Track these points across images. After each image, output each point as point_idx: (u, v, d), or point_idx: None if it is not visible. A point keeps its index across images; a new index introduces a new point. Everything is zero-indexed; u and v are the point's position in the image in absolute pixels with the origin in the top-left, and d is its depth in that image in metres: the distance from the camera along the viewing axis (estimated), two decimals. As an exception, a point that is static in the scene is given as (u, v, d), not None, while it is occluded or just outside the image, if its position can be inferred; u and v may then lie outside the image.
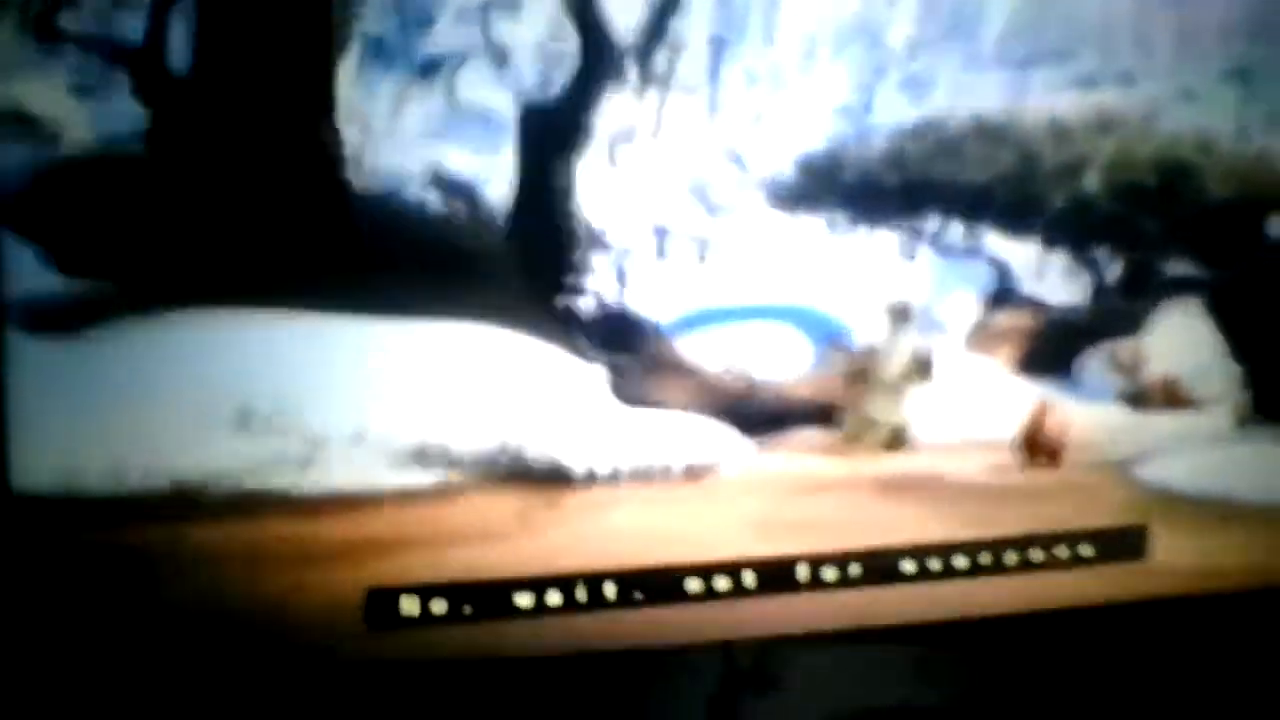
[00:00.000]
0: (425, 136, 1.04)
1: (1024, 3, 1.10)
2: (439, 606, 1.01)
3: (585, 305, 1.11)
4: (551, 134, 1.06)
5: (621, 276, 1.11)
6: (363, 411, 1.00)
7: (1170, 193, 1.19)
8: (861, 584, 1.10)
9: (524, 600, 1.03)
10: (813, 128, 1.09)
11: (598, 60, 1.06)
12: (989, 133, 1.15)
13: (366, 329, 1.02)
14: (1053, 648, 1.20)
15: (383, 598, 0.99)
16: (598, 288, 1.11)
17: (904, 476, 1.15)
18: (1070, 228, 1.19)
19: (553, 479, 1.05)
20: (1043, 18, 1.11)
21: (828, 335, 1.17)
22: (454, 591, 1.01)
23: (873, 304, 1.17)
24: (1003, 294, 1.20)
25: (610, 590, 1.04)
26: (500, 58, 1.04)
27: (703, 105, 1.06)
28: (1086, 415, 1.21)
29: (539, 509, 1.04)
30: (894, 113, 1.11)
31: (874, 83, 1.09)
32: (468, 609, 1.01)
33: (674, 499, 1.09)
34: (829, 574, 1.10)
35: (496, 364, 1.07)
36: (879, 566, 1.11)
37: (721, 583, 1.07)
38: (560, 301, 1.09)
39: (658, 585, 1.06)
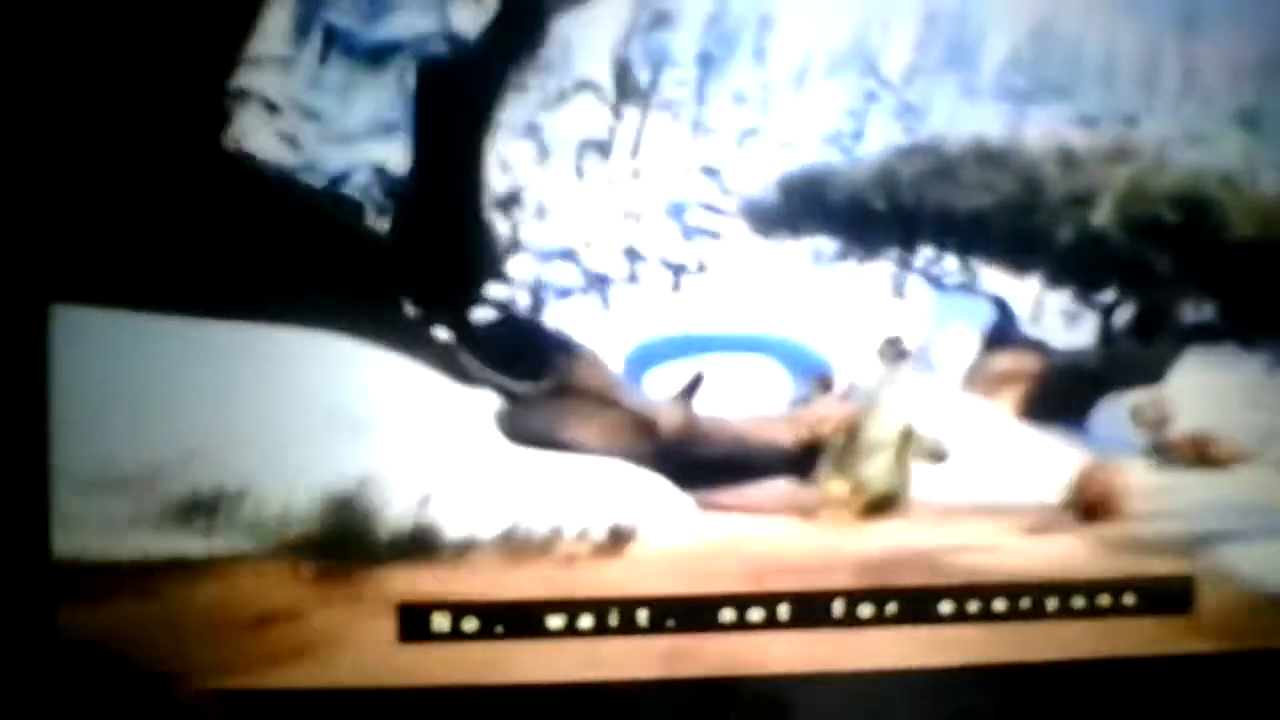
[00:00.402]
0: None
1: (1026, 35, 1.07)
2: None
3: (483, 317, 1.00)
4: (454, 108, 0.98)
5: (539, 288, 1.01)
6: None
7: (1190, 230, 1.12)
8: (898, 623, 1.01)
9: None
10: (800, 150, 1.04)
11: (512, 23, 0.99)
12: (989, 156, 1.09)
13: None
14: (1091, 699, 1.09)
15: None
16: (505, 297, 1.00)
17: (892, 558, 1.03)
18: (1077, 264, 1.13)
19: (398, 550, 0.90)
20: (1045, 51, 1.08)
21: (807, 370, 1.08)
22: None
23: (860, 339, 1.08)
24: (1002, 334, 1.13)
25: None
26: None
27: (685, 124, 1.02)
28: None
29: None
30: (887, 136, 1.07)
31: (866, 108, 1.05)
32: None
33: (566, 581, 0.94)
34: (865, 611, 1.01)
35: (341, 384, 0.92)
36: (917, 606, 1.02)
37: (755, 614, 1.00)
38: (447, 312, 0.98)
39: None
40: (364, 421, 0.91)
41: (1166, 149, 1.12)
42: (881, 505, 1.06)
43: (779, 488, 1.05)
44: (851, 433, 1.09)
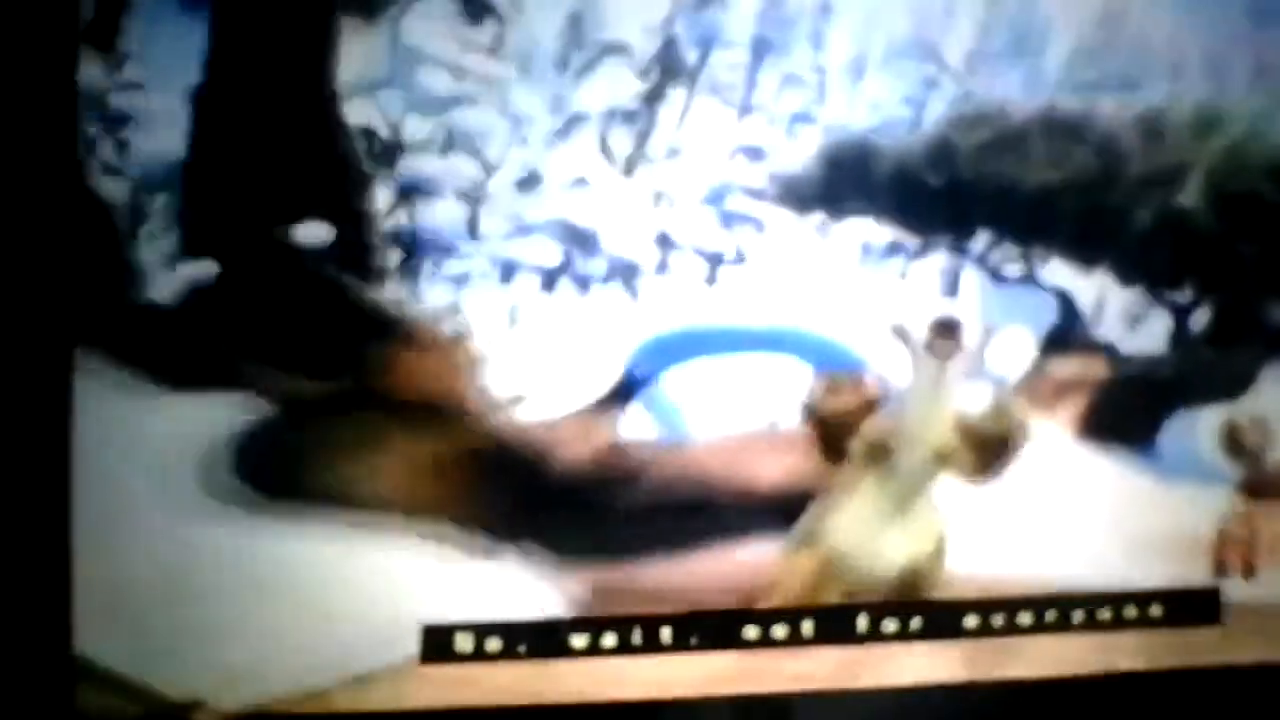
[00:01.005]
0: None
1: (1093, 26, 1.02)
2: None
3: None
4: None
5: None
6: None
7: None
8: (922, 638, 1.00)
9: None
10: (850, 133, 0.99)
11: None
12: (1060, 127, 1.00)
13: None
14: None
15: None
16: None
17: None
18: (1155, 252, 1.04)
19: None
20: (1112, 43, 1.02)
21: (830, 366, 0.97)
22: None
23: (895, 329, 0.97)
24: (1064, 335, 1.04)
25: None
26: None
27: (733, 106, 0.98)
28: (1184, 504, 1.02)
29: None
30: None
31: (926, 95, 1.00)
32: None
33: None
34: (890, 626, 1.00)
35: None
36: (941, 621, 1.01)
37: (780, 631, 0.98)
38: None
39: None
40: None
41: (1262, 120, 1.03)
42: (911, 586, 0.98)
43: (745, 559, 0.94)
44: (877, 454, 0.97)
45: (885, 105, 0.99)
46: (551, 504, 0.94)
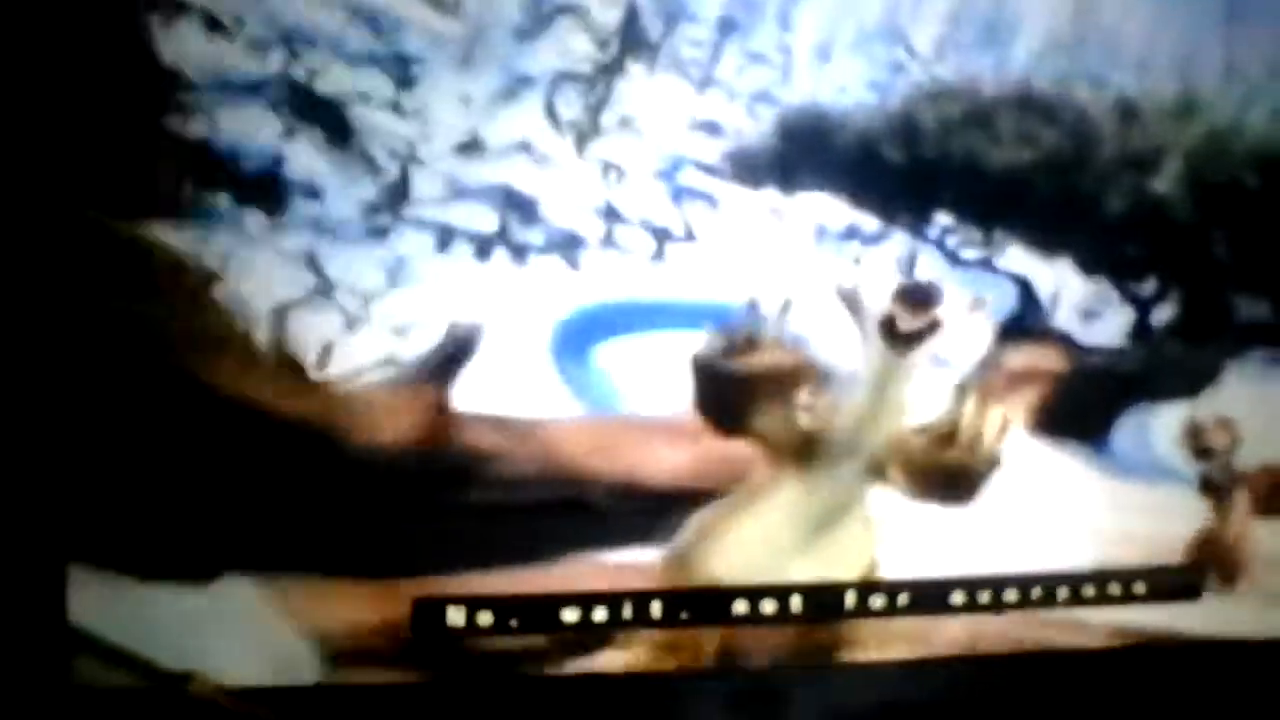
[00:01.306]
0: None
1: (1063, 20, 1.00)
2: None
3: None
4: None
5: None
6: None
7: (1272, 198, 1.00)
8: (909, 613, 0.99)
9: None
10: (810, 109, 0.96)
11: None
12: (1034, 104, 0.97)
13: None
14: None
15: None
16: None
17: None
18: (1123, 241, 1.01)
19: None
20: (1082, 36, 1.00)
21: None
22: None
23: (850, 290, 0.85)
24: (1021, 323, 1.01)
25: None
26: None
27: (692, 82, 0.95)
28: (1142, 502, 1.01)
29: None
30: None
31: (892, 81, 0.98)
32: None
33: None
34: (877, 602, 0.98)
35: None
36: (928, 597, 1.00)
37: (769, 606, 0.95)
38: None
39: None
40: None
41: (1245, 106, 1.01)
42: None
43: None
44: (808, 451, 0.83)
45: (851, 88, 0.97)
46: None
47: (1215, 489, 1.04)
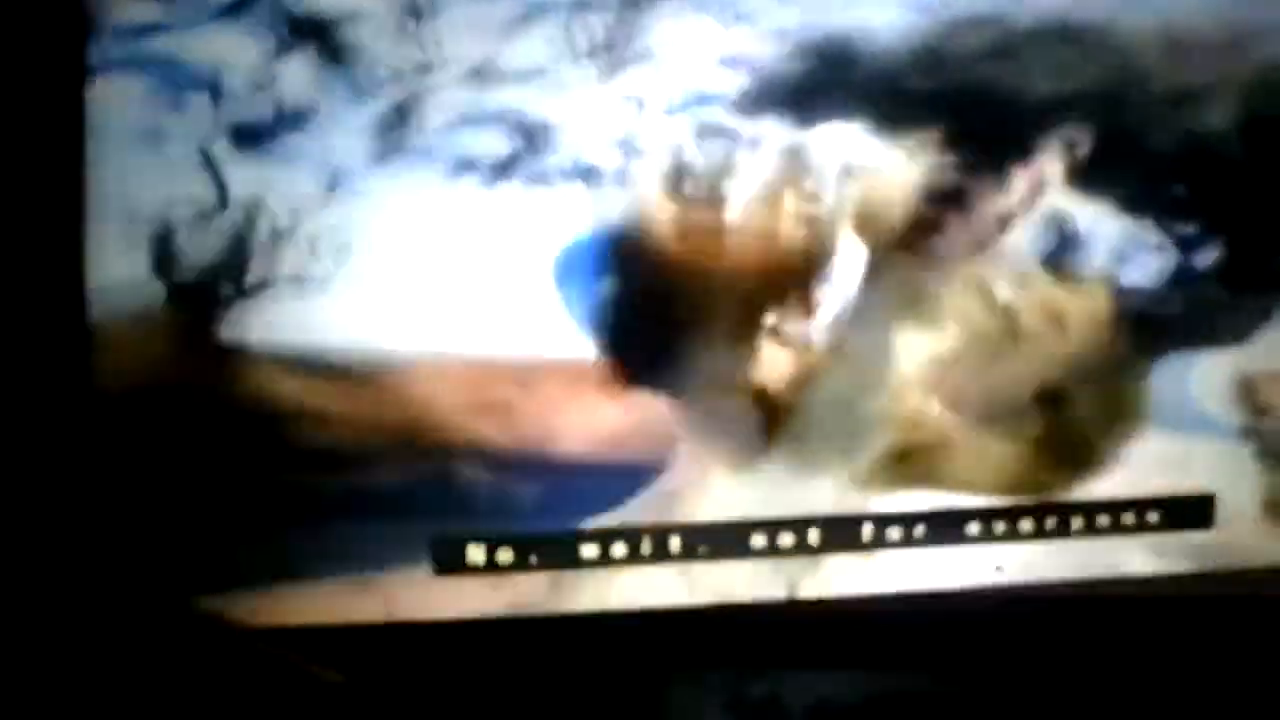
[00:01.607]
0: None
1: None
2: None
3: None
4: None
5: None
6: None
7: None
8: (926, 545, 1.00)
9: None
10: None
11: None
12: (1073, 34, 0.92)
13: None
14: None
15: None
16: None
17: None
18: (1168, 179, 0.97)
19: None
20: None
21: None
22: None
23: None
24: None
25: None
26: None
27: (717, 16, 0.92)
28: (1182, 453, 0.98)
29: None
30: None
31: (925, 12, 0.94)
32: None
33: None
34: (894, 534, 0.99)
35: None
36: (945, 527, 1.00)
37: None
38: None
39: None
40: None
41: None
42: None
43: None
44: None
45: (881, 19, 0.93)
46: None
47: (1261, 442, 1.00)
